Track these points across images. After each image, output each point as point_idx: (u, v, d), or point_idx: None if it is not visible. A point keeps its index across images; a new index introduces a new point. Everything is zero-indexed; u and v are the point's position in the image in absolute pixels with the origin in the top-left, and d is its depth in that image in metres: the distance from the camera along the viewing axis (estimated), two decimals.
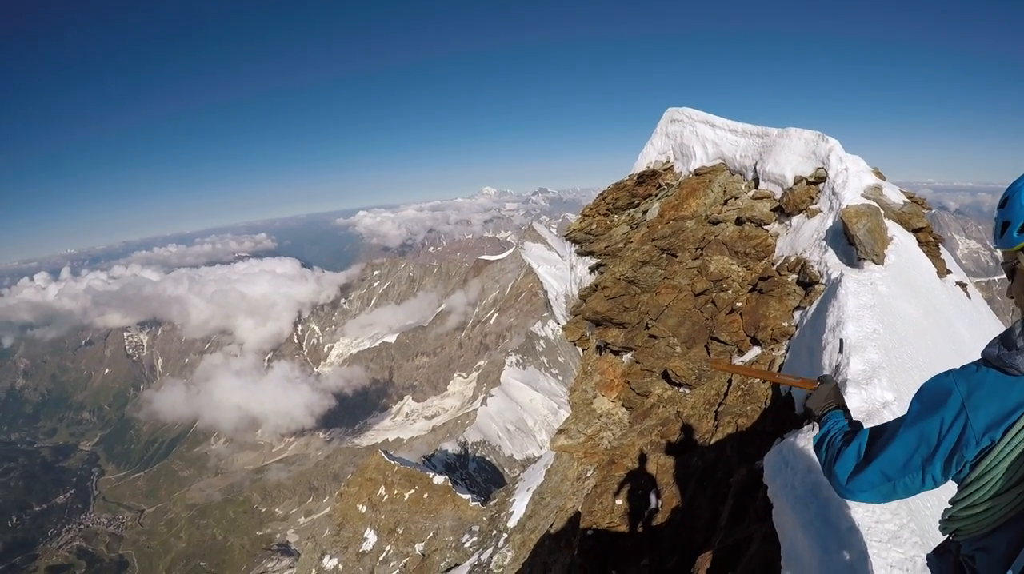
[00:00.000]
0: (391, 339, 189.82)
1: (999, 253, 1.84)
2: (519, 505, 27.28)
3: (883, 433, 1.97)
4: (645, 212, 12.00)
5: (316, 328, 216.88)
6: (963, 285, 9.82)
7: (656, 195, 12.14)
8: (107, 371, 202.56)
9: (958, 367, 1.80)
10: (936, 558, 2.13)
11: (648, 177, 12.24)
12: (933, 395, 1.80)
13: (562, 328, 12.91)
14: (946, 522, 1.84)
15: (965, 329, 7.77)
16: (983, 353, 1.74)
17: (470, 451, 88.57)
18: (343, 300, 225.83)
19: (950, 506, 1.81)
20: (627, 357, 11.23)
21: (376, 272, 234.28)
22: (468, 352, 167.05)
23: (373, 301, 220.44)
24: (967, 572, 1.86)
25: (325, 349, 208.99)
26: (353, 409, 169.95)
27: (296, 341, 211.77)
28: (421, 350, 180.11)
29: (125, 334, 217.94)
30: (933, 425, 1.75)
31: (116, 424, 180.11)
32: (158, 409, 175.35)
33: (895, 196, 9.23)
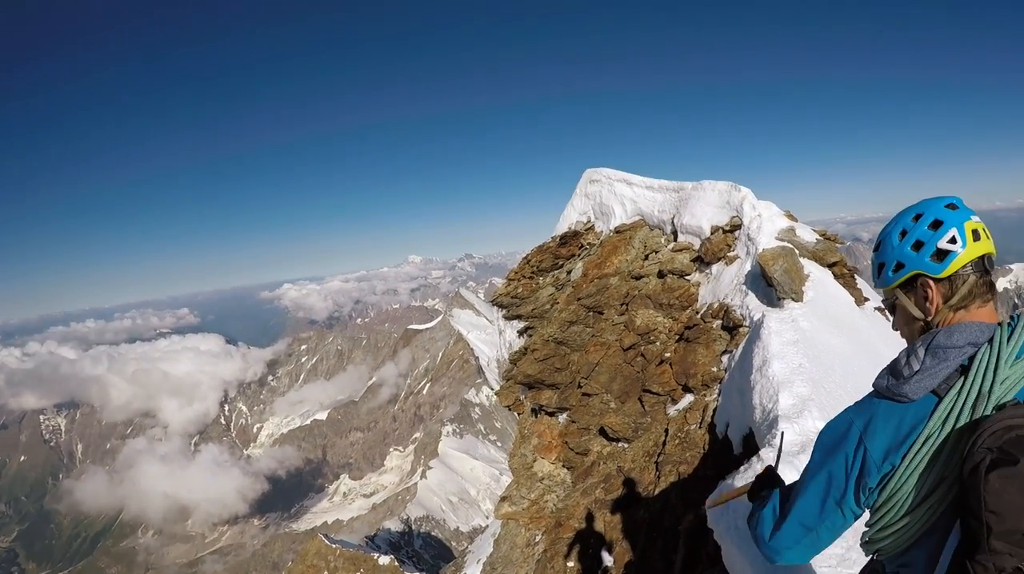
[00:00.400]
0: (322, 416, 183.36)
1: (880, 292, 1.99)
2: None
3: (792, 488, 2.02)
4: (569, 272, 12.22)
5: (244, 408, 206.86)
6: (881, 310, 10.32)
7: (579, 255, 12.42)
8: (23, 458, 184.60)
9: (852, 404, 1.89)
10: None
11: (570, 238, 12.54)
12: (832, 436, 1.88)
13: (495, 394, 12.80)
14: (866, 544, 1.89)
15: (888, 350, 8.11)
16: (874, 384, 1.83)
17: (414, 527, 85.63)
18: (271, 377, 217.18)
19: (867, 529, 1.86)
20: (563, 417, 11.21)
21: (303, 346, 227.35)
22: (403, 425, 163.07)
23: (302, 377, 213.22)
24: None
25: (254, 429, 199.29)
26: (288, 492, 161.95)
27: (223, 422, 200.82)
28: (354, 425, 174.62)
29: (41, 417, 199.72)
30: (839, 463, 1.80)
31: (35, 517, 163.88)
32: (80, 500, 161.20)
33: (808, 235, 9.74)
